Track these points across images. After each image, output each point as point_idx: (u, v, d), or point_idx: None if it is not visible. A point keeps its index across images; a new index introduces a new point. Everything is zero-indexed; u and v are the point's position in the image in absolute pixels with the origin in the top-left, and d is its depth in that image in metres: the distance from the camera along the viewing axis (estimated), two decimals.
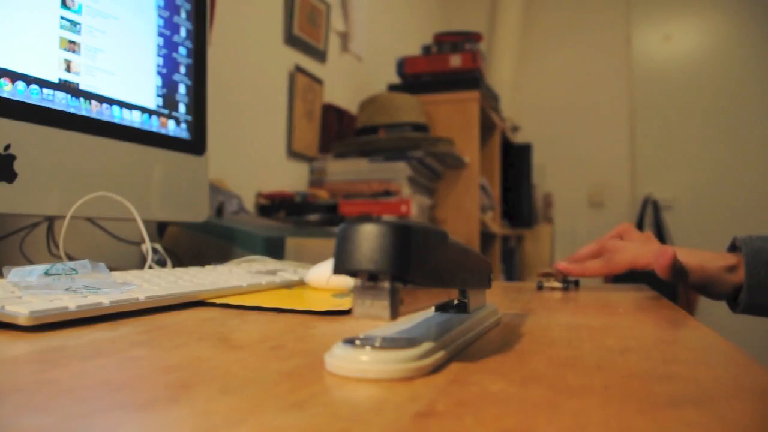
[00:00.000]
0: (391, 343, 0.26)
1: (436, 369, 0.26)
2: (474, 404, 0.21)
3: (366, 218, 1.42)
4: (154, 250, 0.77)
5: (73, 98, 0.63)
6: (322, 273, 0.61)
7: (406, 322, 0.33)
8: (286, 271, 0.68)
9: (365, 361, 0.25)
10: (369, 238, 0.25)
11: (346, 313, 0.45)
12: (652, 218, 3.38)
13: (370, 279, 0.26)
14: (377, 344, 0.26)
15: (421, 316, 0.36)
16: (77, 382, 0.23)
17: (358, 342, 0.27)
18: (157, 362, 0.27)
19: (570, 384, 0.24)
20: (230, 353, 0.29)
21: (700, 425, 0.19)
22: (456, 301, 0.39)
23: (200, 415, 0.19)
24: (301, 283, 0.64)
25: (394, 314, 0.25)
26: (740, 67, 3.24)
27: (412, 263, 0.25)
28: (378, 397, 0.22)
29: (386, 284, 0.26)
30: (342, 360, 0.25)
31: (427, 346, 0.26)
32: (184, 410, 0.20)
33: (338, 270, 0.26)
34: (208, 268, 0.66)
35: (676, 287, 3.17)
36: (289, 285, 0.62)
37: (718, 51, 3.30)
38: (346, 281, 0.59)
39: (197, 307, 0.46)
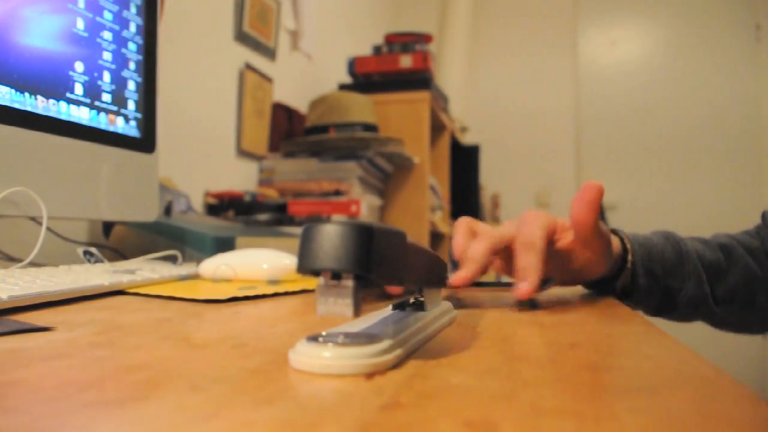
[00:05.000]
0: (354, 339, 0.27)
1: (398, 364, 0.27)
2: (436, 396, 0.22)
3: (316, 218, 1.42)
4: (90, 253, 0.76)
5: (18, 93, 0.61)
6: (211, 266, 0.66)
7: (364, 321, 0.34)
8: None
9: (329, 357, 0.26)
10: (332, 238, 0.26)
11: (230, 301, 0.50)
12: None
13: (333, 278, 0.27)
14: (340, 341, 0.27)
15: (379, 315, 0.37)
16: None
17: (321, 339, 0.27)
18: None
19: (525, 376, 0.25)
20: (194, 352, 0.29)
21: (646, 411, 0.20)
22: (412, 300, 0.40)
23: (174, 411, 0.19)
24: (196, 276, 0.68)
25: (357, 312, 0.26)
26: (682, 72, 3.38)
27: (374, 262, 0.26)
28: (343, 391, 0.23)
29: (349, 282, 0.26)
30: (306, 356, 0.26)
31: (388, 342, 0.27)
32: (156, 407, 0.20)
33: (302, 269, 0.27)
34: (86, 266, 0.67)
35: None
36: (184, 278, 0.66)
37: (661, 56, 3.43)
38: (228, 273, 0.66)
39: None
